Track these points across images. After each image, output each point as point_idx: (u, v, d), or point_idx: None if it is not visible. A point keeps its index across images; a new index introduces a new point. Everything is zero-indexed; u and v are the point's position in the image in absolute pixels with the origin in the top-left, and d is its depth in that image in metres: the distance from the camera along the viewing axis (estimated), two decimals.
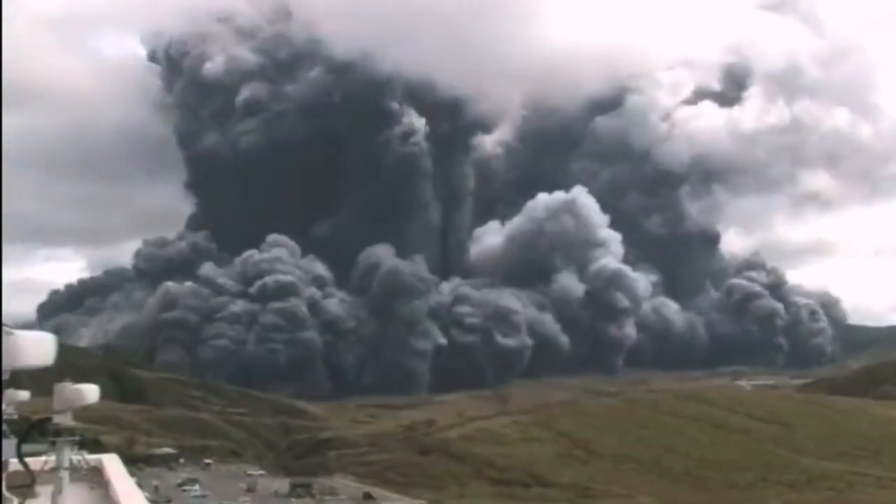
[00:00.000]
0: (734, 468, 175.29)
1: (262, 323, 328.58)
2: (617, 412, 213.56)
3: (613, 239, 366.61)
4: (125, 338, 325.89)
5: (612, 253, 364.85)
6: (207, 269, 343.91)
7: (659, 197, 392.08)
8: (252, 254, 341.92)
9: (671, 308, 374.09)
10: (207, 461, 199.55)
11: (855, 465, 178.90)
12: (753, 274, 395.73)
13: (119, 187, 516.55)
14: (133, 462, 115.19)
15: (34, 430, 6.51)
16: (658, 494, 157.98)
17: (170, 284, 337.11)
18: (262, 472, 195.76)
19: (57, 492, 10.89)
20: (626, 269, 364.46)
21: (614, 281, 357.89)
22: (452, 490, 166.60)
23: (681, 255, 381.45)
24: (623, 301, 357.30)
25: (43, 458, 10.51)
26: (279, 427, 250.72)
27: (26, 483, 5.30)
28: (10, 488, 4.64)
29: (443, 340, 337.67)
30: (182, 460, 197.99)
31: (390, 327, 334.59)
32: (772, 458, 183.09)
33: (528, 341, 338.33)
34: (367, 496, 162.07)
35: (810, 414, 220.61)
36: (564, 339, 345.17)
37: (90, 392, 11.81)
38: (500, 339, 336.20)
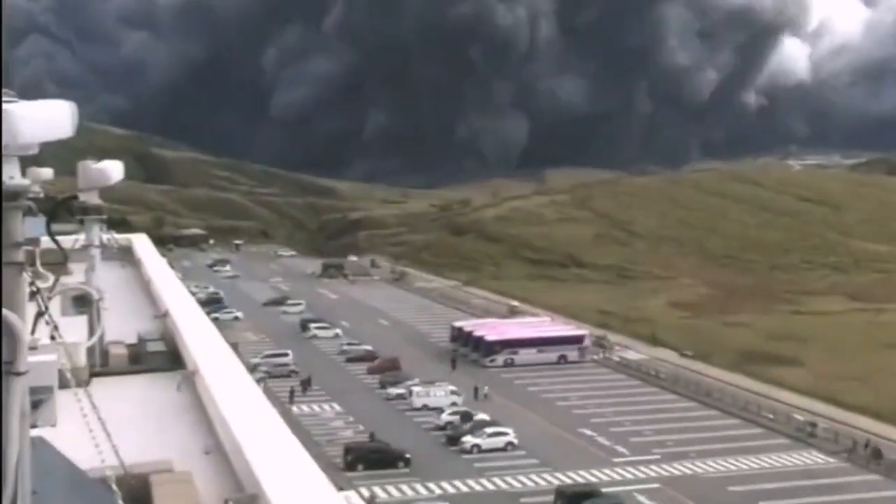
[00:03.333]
0: (780, 250, 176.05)
1: None
2: (658, 192, 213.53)
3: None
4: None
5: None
6: None
7: None
8: None
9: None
10: (237, 242, 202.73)
11: None
12: None
13: None
14: (162, 243, 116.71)
15: (61, 208, 6.57)
16: (700, 276, 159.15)
17: None
18: (292, 252, 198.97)
19: (90, 269, 11.11)
20: None
21: None
22: (487, 270, 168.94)
23: None
24: None
25: (73, 237, 10.66)
26: (307, 207, 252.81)
27: (59, 261, 5.39)
28: (44, 265, 4.73)
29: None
30: (211, 241, 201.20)
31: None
32: (819, 240, 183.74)
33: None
34: (401, 275, 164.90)
35: (862, 195, 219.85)
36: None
37: (114, 169, 11.87)
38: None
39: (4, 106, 4.50)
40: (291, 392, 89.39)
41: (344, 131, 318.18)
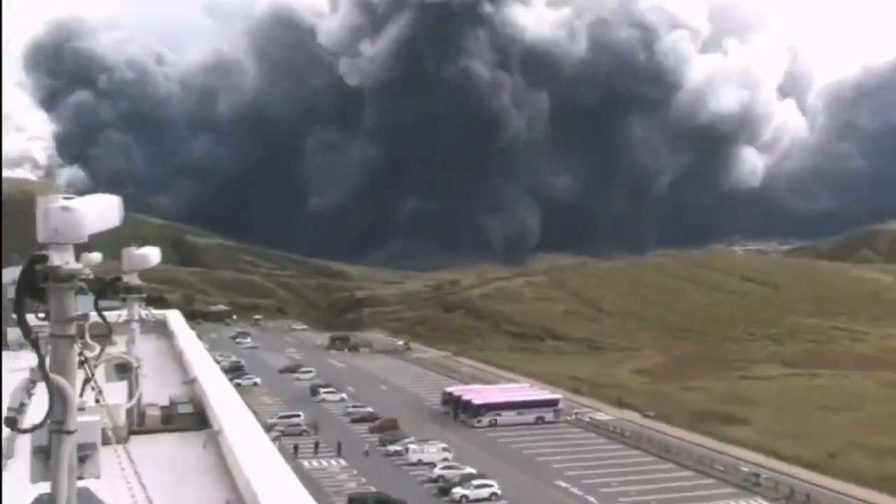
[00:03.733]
0: (727, 324, 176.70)
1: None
2: (623, 274, 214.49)
3: None
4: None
5: None
6: None
7: None
8: None
9: None
10: (257, 317, 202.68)
11: (833, 321, 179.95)
12: None
13: None
14: (192, 318, 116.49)
15: (108, 288, 6.64)
16: (659, 348, 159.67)
17: None
18: (304, 326, 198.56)
19: (130, 341, 11.17)
20: None
21: None
22: (474, 343, 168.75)
23: None
24: None
25: (116, 312, 10.69)
26: (320, 287, 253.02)
27: (104, 333, 5.44)
28: (91, 337, 4.78)
29: None
30: (235, 316, 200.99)
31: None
32: (760, 315, 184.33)
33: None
34: (406, 347, 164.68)
35: (796, 277, 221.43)
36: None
37: (153, 254, 12.00)
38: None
39: (70, 204, 4.59)
40: (296, 448, 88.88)
41: (371, 221, 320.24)
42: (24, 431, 4.43)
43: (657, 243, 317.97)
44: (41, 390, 4.51)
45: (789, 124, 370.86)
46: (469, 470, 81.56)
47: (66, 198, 4.63)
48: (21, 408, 4.38)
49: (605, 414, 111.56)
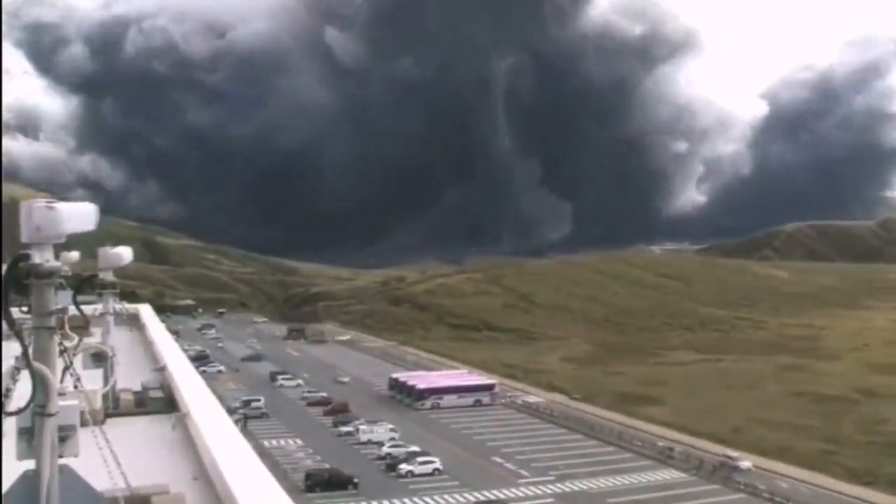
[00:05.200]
0: (645, 315, 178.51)
1: None
2: (553, 271, 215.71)
3: None
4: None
5: None
6: None
7: None
8: None
9: None
10: (221, 310, 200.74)
11: (738, 312, 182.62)
12: None
13: None
14: (161, 311, 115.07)
15: (85, 284, 6.61)
16: (585, 336, 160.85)
17: None
18: (264, 319, 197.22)
19: (106, 332, 11.08)
20: None
21: None
22: (418, 333, 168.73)
23: None
24: None
25: (93, 306, 10.60)
26: (277, 283, 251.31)
27: (82, 325, 5.44)
28: (70, 329, 4.78)
29: None
30: (200, 310, 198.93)
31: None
32: (674, 307, 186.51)
33: None
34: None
35: (705, 272, 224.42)
36: None
37: (126, 253, 11.91)
38: None
39: (54, 205, 4.60)
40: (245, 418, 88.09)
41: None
42: (10, 414, 4.45)
43: (584, 245, 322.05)
44: (25, 377, 4.51)
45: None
46: (414, 448, 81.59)
47: (48, 202, 4.63)
48: (7, 393, 4.38)
49: (537, 397, 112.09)
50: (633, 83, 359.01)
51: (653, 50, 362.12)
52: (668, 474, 79.00)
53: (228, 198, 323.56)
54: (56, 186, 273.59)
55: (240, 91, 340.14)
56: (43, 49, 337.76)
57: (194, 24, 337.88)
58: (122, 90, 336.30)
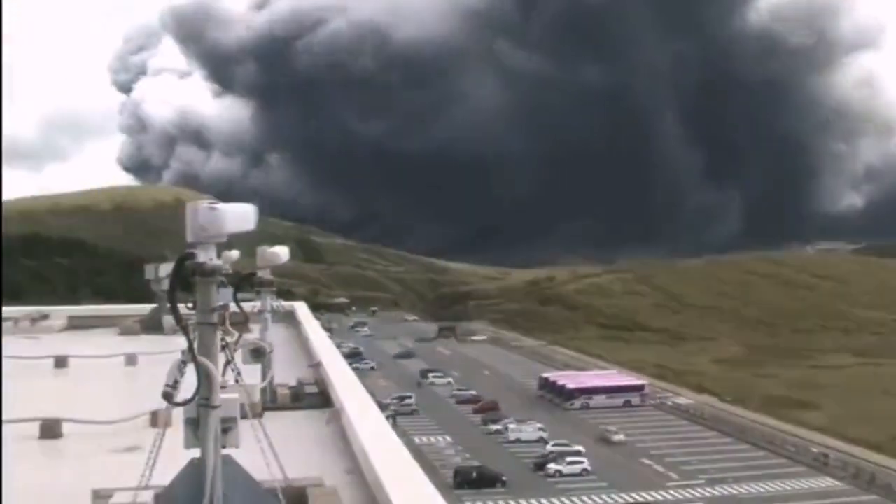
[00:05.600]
0: (799, 317, 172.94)
1: None
2: (704, 271, 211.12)
3: None
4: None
5: None
6: None
7: None
8: None
9: None
10: (374, 309, 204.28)
11: None
12: None
13: None
14: (316, 309, 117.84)
15: (244, 282, 6.88)
16: (736, 338, 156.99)
17: None
18: (415, 317, 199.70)
19: (264, 329, 11.43)
20: None
21: None
22: (568, 333, 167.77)
23: None
24: None
25: (251, 303, 10.97)
26: (429, 282, 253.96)
27: (242, 321, 5.66)
28: (231, 325, 4.99)
29: None
30: (354, 308, 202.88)
31: None
32: (829, 309, 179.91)
33: None
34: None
35: (862, 273, 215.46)
36: None
37: (283, 253, 12.25)
38: None
39: (217, 205, 4.82)
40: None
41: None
42: (178, 405, 4.67)
43: (737, 245, 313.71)
44: (191, 370, 4.73)
45: None
46: (578, 447, 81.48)
47: (210, 203, 4.84)
48: (175, 384, 4.60)
49: (686, 398, 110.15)
50: (794, 82, 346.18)
51: (819, 50, 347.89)
52: (822, 482, 76.18)
53: (404, 200, 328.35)
54: (232, 196, 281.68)
55: (412, 96, 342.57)
56: (219, 66, 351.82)
57: (361, 30, 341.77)
58: (294, 98, 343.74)
